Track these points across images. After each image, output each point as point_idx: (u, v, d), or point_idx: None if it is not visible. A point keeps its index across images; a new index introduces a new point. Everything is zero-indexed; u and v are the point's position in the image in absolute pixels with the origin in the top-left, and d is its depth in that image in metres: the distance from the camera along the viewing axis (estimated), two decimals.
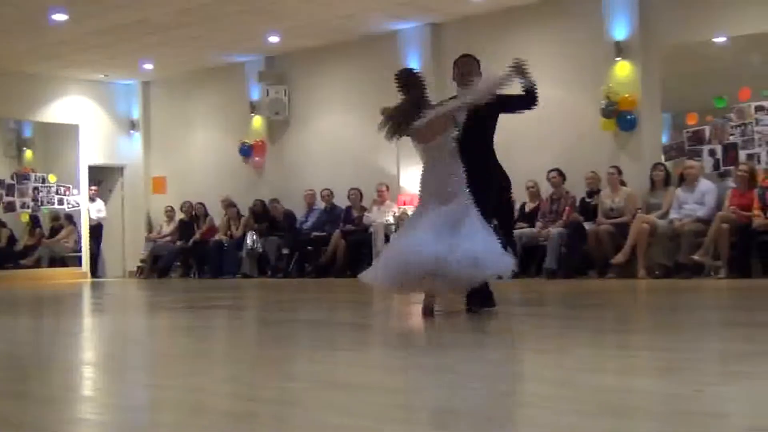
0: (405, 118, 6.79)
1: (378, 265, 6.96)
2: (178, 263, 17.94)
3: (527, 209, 13.52)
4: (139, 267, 18.71)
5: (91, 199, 18.96)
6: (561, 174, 13.09)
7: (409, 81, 6.90)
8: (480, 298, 7.02)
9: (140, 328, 7.87)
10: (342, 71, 16.54)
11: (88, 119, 19.02)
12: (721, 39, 12.69)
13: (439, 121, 6.76)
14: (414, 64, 15.29)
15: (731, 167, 12.14)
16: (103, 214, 19.15)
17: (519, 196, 13.72)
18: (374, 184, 15.41)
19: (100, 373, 4.94)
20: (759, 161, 11.97)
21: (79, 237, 18.66)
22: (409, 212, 14.69)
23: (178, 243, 17.81)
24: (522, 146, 12.96)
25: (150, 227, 19.23)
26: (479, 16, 14.42)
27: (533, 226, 13.06)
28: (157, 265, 17.92)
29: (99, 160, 19.23)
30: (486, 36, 14.52)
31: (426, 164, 6.91)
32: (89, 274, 18.68)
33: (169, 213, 18.49)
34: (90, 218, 18.84)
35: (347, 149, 16.30)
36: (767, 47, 12.22)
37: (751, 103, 12.13)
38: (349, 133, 16.38)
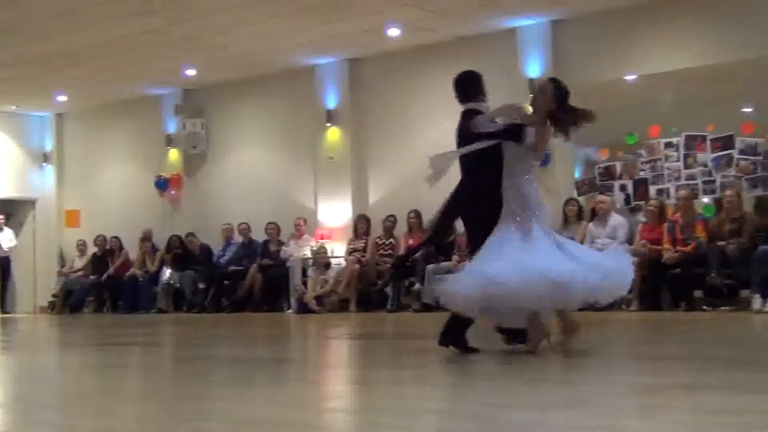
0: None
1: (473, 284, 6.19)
2: (91, 298, 17.61)
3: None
4: (50, 302, 18.31)
5: None
6: None
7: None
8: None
9: (50, 366, 7.70)
10: (260, 105, 16.51)
11: None
12: (631, 77, 13.02)
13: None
14: (331, 98, 15.38)
15: (642, 202, 12.43)
16: (14, 243, 18.61)
17: None
18: (292, 218, 15.36)
19: (7, 414, 4.81)
20: (668, 196, 12.28)
21: None
22: (327, 246, 14.77)
23: (91, 278, 17.49)
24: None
25: (62, 261, 18.85)
26: (396, 52, 14.55)
27: (449, 260, 13.14)
28: (70, 301, 17.57)
29: (9, 193, 18.85)
30: (403, 71, 14.69)
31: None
32: None
33: (81, 247, 18.16)
34: (0, 249, 18.33)
35: (265, 183, 16.24)
36: (675, 86, 12.59)
37: (660, 140, 12.46)
38: (267, 167, 16.34)
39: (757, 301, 10.40)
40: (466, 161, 6.62)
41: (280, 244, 15.42)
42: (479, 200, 6.58)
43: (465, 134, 6.62)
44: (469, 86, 6.78)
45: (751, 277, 10.64)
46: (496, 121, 6.59)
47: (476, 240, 6.55)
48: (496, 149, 6.47)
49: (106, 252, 17.64)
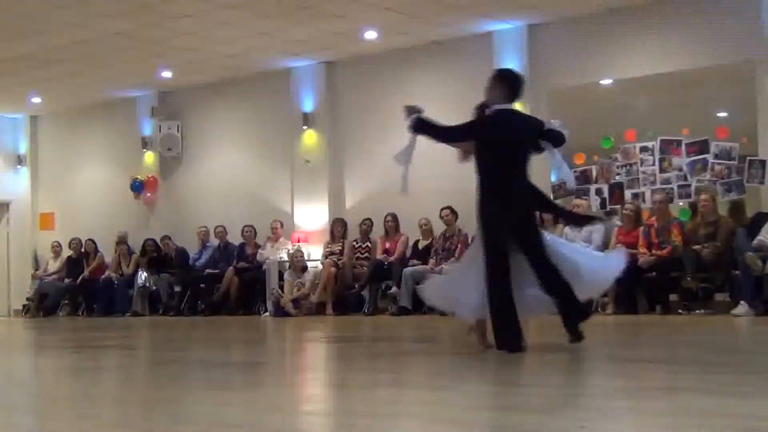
0: None
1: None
2: (66, 301, 17.49)
3: (420, 246, 13.64)
4: (25, 305, 18.17)
5: None
6: (453, 212, 13.25)
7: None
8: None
9: (26, 370, 7.63)
10: (236, 107, 16.47)
11: None
12: (607, 81, 13.09)
13: None
14: (308, 101, 15.36)
15: (617, 206, 12.49)
16: None
17: (412, 233, 13.86)
18: (268, 221, 15.33)
19: None
20: (644, 200, 12.35)
21: None
22: (303, 250, 14.74)
23: (66, 280, 17.37)
24: (414, 183, 13.06)
25: (37, 264, 18.72)
26: (373, 55, 14.56)
27: (426, 263, 13.16)
28: (44, 304, 17.44)
29: None
30: (379, 74, 14.70)
31: None
32: None
33: (56, 249, 18.04)
34: None
35: (241, 186, 16.21)
36: (650, 90, 12.68)
37: (636, 144, 12.53)
38: (243, 169, 16.30)
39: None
40: (525, 157, 6.90)
41: (257, 247, 15.38)
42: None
43: (537, 129, 7.02)
44: (521, 87, 6.99)
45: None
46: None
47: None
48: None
49: (81, 255, 17.54)
